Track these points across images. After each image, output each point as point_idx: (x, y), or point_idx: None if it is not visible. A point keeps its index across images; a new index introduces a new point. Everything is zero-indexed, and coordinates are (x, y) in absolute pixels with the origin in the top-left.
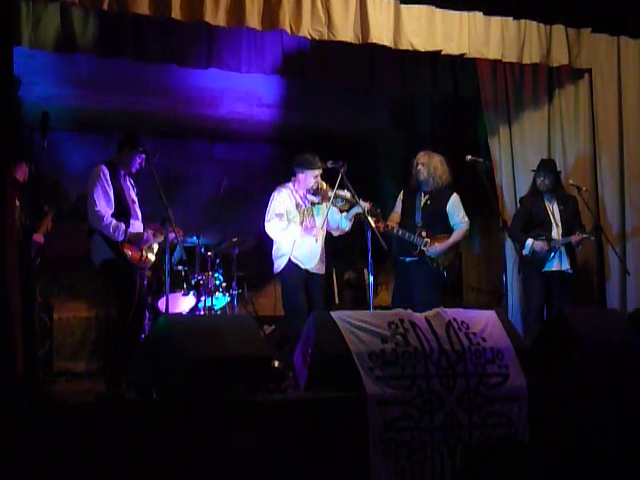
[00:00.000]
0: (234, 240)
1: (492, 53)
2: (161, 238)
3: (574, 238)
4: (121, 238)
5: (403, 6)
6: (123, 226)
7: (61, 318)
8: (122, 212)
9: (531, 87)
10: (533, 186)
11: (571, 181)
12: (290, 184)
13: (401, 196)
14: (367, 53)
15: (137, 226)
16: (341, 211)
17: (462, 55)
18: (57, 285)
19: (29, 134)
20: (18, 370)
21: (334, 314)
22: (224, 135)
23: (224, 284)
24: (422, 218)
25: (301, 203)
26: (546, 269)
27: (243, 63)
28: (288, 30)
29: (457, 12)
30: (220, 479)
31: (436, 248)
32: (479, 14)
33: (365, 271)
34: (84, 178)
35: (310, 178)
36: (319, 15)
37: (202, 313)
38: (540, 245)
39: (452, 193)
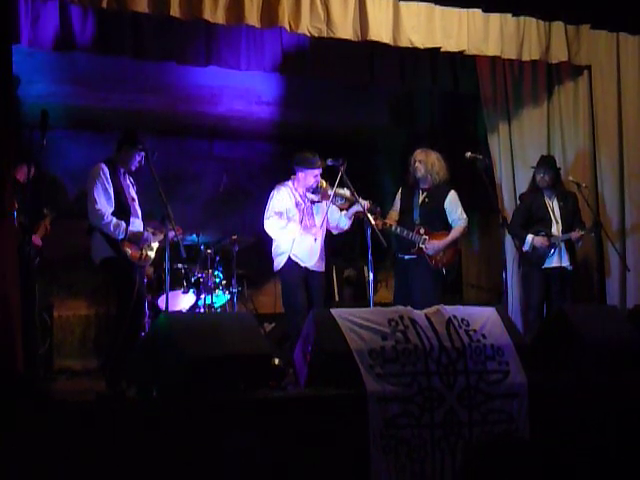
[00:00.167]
0: (234, 238)
1: (491, 50)
2: (161, 236)
3: (574, 234)
4: (121, 236)
5: (402, 3)
6: (123, 224)
7: (61, 316)
8: (122, 210)
9: (530, 84)
10: (533, 183)
11: (571, 178)
12: (290, 182)
13: (399, 194)
14: (366, 50)
15: (137, 224)
16: (341, 209)
17: (461, 52)
18: (57, 283)
19: (28, 133)
20: (18, 368)
21: (334, 311)
22: (223, 133)
23: (224, 282)
24: (420, 215)
25: (301, 201)
26: (546, 266)
27: (242, 61)
28: (287, 27)
29: (456, 9)
30: (221, 476)
31: (434, 245)
32: (478, 11)
33: (365, 268)
34: (84, 176)
35: (310, 177)
36: (318, 12)
37: (202, 311)
38: (540, 241)
39: (450, 190)
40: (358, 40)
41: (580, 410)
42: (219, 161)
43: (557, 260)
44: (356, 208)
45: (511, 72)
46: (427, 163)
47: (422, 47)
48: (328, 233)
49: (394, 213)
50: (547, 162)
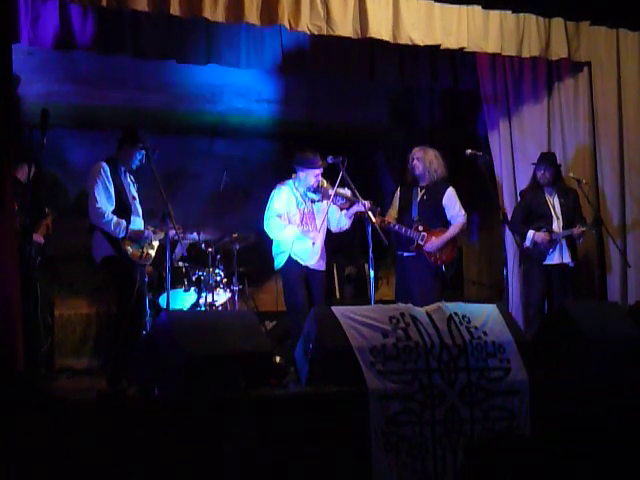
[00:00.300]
0: (234, 236)
1: (491, 47)
2: (161, 235)
3: (575, 230)
4: (122, 235)
5: (402, 0)
6: (124, 223)
7: (62, 315)
8: (123, 209)
9: (530, 80)
10: (533, 179)
11: (571, 174)
12: (290, 181)
13: (398, 192)
14: (366, 47)
15: (138, 222)
16: (341, 209)
17: (461, 49)
18: (57, 282)
19: (29, 132)
20: (19, 368)
21: (335, 309)
22: (224, 131)
23: (225, 280)
24: (419, 212)
25: (301, 201)
26: (547, 262)
27: (242, 59)
28: (287, 25)
29: (456, 6)
30: (222, 474)
31: (433, 242)
32: (478, 8)
33: (366, 266)
34: (84, 175)
35: (311, 177)
36: (318, 10)
37: (203, 309)
38: (541, 237)
39: (448, 187)
40: (358, 38)
41: (581, 407)
42: (219, 159)
43: (558, 257)
44: (356, 208)
45: (511, 69)
46: (425, 160)
47: (422, 44)
48: (328, 231)
49: (393, 212)
50: (547, 159)
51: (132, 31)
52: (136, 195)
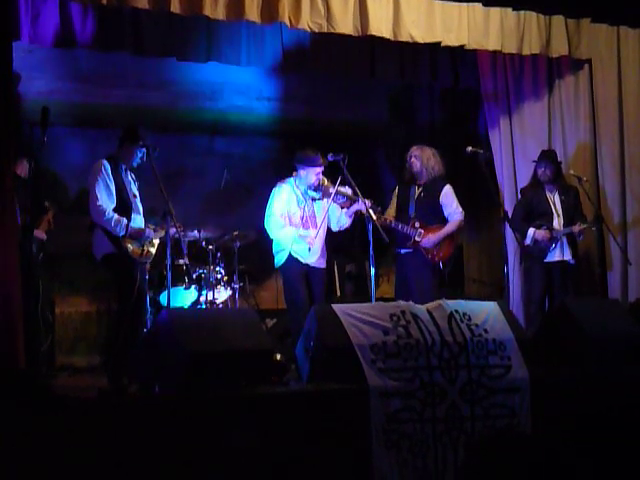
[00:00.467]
0: (235, 234)
1: (492, 44)
2: (162, 233)
3: (576, 228)
4: (122, 233)
5: None
6: (125, 221)
7: (62, 313)
8: (123, 206)
9: (531, 78)
10: (534, 177)
11: (572, 171)
12: (291, 179)
13: (396, 191)
14: (367, 45)
15: (138, 220)
16: (341, 207)
17: (462, 46)
18: (58, 280)
19: (29, 129)
20: (20, 365)
21: (336, 307)
22: (224, 129)
23: (225, 278)
24: (416, 210)
25: (302, 199)
26: (548, 260)
27: (243, 56)
28: (287, 23)
29: (456, 3)
30: (222, 472)
31: (430, 238)
32: (478, 5)
33: (366, 263)
34: (85, 173)
35: (311, 175)
36: (318, 7)
37: (204, 307)
38: (542, 234)
39: (445, 184)
40: (358, 35)
41: (582, 404)
42: (220, 157)
43: (559, 254)
44: (357, 206)
45: (511, 66)
46: (423, 158)
47: (422, 42)
48: (328, 230)
49: (392, 209)
50: (548, 156)
51: (132, 29)
52: (137, 193)
